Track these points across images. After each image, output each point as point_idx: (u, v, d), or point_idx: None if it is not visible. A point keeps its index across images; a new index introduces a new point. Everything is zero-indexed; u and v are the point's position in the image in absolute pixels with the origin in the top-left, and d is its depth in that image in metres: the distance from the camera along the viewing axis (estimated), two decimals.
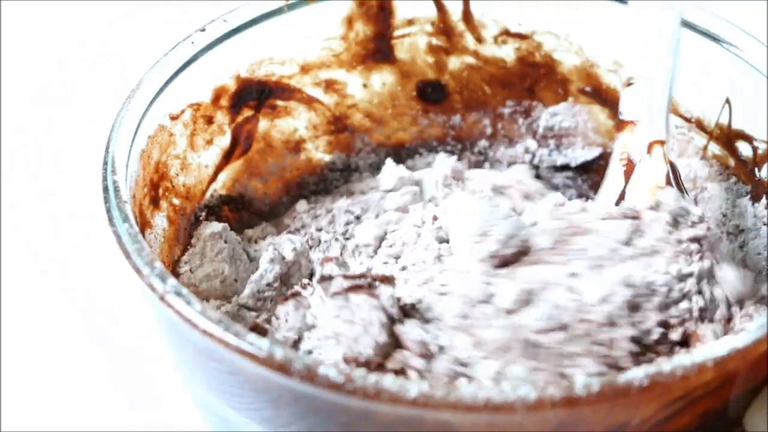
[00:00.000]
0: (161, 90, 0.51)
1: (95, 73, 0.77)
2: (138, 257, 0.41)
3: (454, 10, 0.62)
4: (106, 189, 0.44)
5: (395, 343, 0.44)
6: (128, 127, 0.49)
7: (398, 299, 0.46)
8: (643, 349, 0.44)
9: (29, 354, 0.59)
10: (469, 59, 0.63)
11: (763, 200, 0.53)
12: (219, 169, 0.58)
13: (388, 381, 0.35)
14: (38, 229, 0.67)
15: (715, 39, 0.54)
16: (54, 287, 0.63)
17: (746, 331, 0.38)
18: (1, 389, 0.57)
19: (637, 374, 0.35)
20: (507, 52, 0.63)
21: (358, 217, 0.57)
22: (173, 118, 0.53)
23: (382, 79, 0.63)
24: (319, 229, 0.57)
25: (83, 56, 0.79)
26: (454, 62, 0.64)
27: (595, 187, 0.58)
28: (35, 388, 0.57)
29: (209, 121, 0.56)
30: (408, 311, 0.46)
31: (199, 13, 0.57)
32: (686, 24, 0.54)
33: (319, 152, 0.63)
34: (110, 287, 0.60)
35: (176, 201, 0.54)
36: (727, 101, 0.55)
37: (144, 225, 0.49)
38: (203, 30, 0.55)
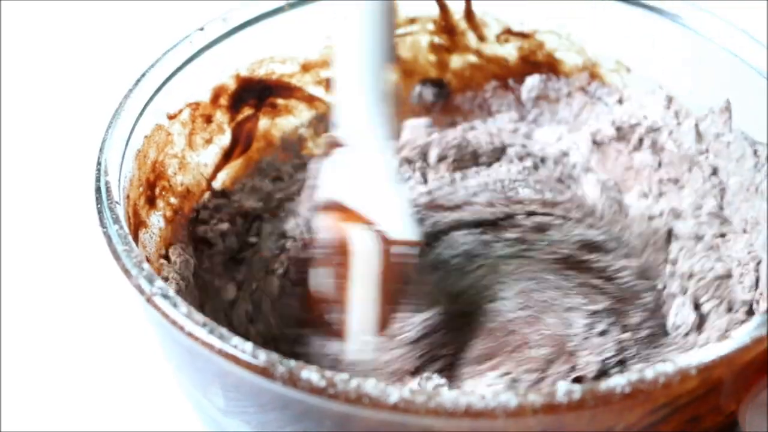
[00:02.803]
0: (158, 90, 0.51)
1: (95, 73, 0.77)
2: (127, 258, 0.41)
3: (456, 9, 0.62)
4: (98, 190, 0.45)
5: None
6: (123, 128, 0.49)
7: None
8: None
9: (29, 354, 0.59)
10: (472, 58, 0.63)
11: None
12: (218, 168, 0.58)
13: (370, 385, 0.35)
14: (38, 229, 0.67)
15: (714, 40, 0.54)
16: (54, 287, 0.63)
17: (732, 338, 0.37)
18: (1, 389, 0.57)
19: (619, 381, 0.35)
20: (509, 51, 0.63)
21: None
22: (171, 117, 0.54)
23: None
24: None
25: (83, 56, 0.80)
26: (456, 61, 0.64)
27: None
28: (35, 388, 0.58)
29: (208, 120, 0.57)
30: None
31: (201, 13, 0.57)
32: (686, 24, 0.54)
33: (320, 150, 0.63)
34: (109, 288, 0.60)
35: (174, 200, 0.54)
36: (728, 105, 0.54)
37: (139, 225, 0.49)
38: (202, 29, 0.55)
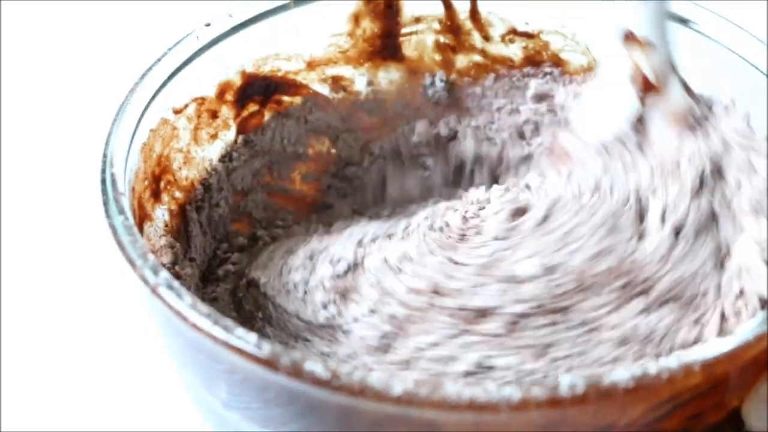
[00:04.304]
0: (164, 84, 0.52)
1: (102, 67, 0.77)
2: (132, 249, 0.41)
3: (462, 9, 0.62)
4: (103, 181, 0.45)
5: None
6: (129, 121, 0.49)
7: None
8: None
9: (29, 354, 0.59)
10: (477, 57, 0.64)
11: None
12: None
13: (374, 378, 0.35)
14: (41, 223, 0.67)
15: (714, 38, 0.54)
16: (55, 285, 0.63)
17: (735, 334, 0.37)
18: (1, 389, 0.57)
19: (622, 376, 0.35)
20: (514, 51, 0.63)
21: None
22: (177, 111, 0.54)
23: (389, 76, 0.64)
24: None
25: (90, 50, 0.80)
26: (461, 60, 0.64)
27: None
28: (35, 388, 0.57)
29: (214, 115, 0.57)
30: None
31: (207, 9, 0.57)
32: (686, 23, 0.54)
33: (324, 147, 0.63)
34: (111, 285, 0.60)
35: (178, 194, 0.54)
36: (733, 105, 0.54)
37: (143, 218, 0.49)
38: (208, 25, 0.55)
